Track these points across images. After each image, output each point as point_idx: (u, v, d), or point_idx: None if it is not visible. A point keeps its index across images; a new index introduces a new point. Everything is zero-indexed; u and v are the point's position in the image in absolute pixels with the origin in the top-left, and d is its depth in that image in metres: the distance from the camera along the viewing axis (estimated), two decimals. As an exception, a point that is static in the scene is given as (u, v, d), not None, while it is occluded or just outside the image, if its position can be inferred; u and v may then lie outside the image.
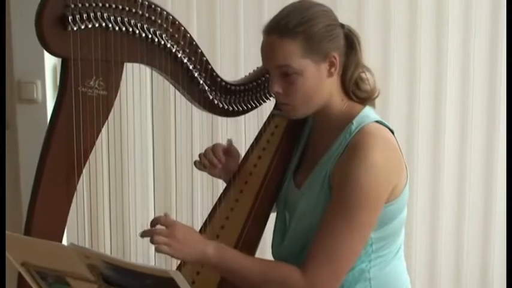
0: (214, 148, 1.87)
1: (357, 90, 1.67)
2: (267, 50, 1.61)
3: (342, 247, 1.52)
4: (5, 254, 1.28)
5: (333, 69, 1.60)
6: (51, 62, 2.69)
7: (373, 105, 1.69)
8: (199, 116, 1.92)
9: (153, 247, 1.53)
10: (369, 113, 1.63)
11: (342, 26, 1.65)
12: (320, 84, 1.60)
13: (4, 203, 2.56)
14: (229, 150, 1.90)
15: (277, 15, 1.62)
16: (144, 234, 1.53)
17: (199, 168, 1.89)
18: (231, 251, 1.58)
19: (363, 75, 1.68)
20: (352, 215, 1.52)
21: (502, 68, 2.81)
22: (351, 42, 1.65)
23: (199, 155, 1.87)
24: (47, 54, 1.56)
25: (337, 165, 1.57)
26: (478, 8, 2.79)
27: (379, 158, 1.53)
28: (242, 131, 2.05)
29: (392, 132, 1.64)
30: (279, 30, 1.58)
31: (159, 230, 1.51)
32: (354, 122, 1.60)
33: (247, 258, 1.57)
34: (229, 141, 1.91)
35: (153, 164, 2.83)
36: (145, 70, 1.74)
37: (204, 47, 1.76)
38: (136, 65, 1.67)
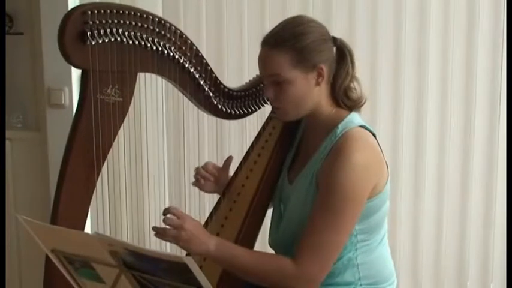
0: (205, 165, 1.89)
1: (345, 99, 1.67)
2: (261, 60, 1.63)
3: (328, 239, 1.53)
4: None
5: (320, 79, 1.61)
6: (77, 71, 2.66)
7: (358, 111, 1.69)
8: (207, 117, 1.94)
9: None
10: (353, 118, 1.63)
11: (335, 39, 1.66)
12: (308, 92, 1.61)
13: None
14: (226, 166, 1.90)
15: (272, 29, 1.63)
16: (156, 229, 1.52)
17: (194, 184, 1.92)
18: (230, 247, 1.57)
19: (352, 85, 1.67)
20: (336, 211, 1.52)
21: (478, 76, 2.80)
22: (342, 54, 1.66)
23: (196, 168, 1.90)
24: (73, 64, 1.58)
25: (323, 165, 1.58)
26: (456, 24, 2.79)
27: (360, 159, 1.53)
28: (244, 131, 2.06)
29: (374, 136, 1.64)
30: (271, 42, 1.59)
31: (171, 220, 1.50)
32: (339, 126, 1.60)
33: (245, 252, 1.57)
34: (229, 159, 1.91)
35: (165, 162, 2.84)
36: (157, 78, 1.76)
37: (212, 58, 1.77)
38: (148, 74, 1.69)
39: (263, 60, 1.62)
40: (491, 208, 2.88)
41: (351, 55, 1.66)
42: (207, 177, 1.88)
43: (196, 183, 1.90)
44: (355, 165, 1.52)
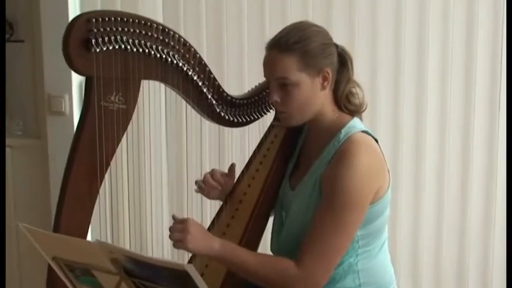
0: (212, 173, 1.88)
1: (347, 104, 1.68)
2: (268, 63, 1.63)
3: (331, 243, 1.53)
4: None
5: (325, 83, 1.62)
6: (77, 78, 2.71)
7: (360, 117, 1.71)
8: (209, 125, 1.94)
9: (166, 243, 1.53)
10: (355, 124, 1.65)
11: (336, 45, 1.67)
12: (314, 96, 1.62)
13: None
14: (230, 173, 1.90)
15: (278, 34, 1.63)
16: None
17: (197, 191, 1.90)
18: (234, 247, 1.58)
19: (354, 90, 1.69)
20: (340, 215, 1.53)
21: (477, 81, 2.81)
22: (343, 60, 1.67)
23: (196, 181, 1.89)
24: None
25: (326, 169, 1.58)
26: (456, 32, 2.79)
27: (363, 163, 1.54)
28: (246, 139, 2.06)
29: (377, 141, 1.65)
30: (279, 46, 1.59)
31: (174, 226, 1.52)
32: (342, 131, 1.61)
33: (248, 253, 1.58)
34: (233, 166, 1.90)
35: (167, 169, 2.83)
36: (160, 86, 1.76)
37: (212, 66, 1.77)
38: (152, 81, 1.69)
39: (270, 63, 1.62)
40: (490, 215, 2.89)
41: (351, 61, 1.68)
42: (214, 187, 1.87)
43: (200, 190, 1.89)
44: (359, 169, 1.53)
